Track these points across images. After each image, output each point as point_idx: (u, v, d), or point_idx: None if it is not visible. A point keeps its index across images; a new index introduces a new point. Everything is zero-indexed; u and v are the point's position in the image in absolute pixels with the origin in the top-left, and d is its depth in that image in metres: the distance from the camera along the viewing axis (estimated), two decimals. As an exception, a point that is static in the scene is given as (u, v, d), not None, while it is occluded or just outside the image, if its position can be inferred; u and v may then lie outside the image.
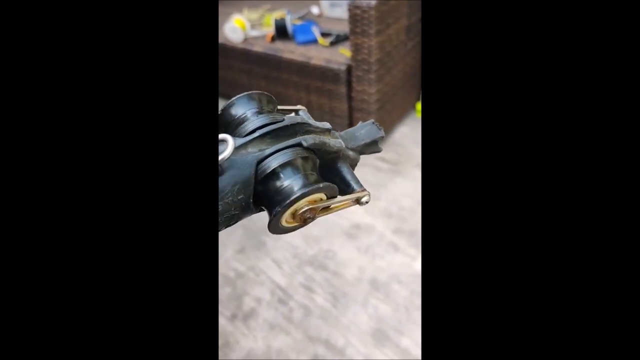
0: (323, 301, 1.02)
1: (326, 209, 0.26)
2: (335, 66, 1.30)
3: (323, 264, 1.11)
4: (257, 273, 1.10)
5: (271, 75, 1.50)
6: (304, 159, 0.25)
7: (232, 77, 1.65)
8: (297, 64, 1.38)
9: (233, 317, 1.00)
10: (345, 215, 1.23)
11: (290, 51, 1.40)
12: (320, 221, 1.11)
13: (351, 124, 1.44)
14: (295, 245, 1.16)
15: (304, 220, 0.25)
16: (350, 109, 1.39)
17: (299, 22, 1.54)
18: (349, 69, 1.30)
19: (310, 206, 0.24)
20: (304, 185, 0.24)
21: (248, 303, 1.03)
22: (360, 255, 1.12)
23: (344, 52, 1.34)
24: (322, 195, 0.25)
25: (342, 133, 0.31)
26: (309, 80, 1.40)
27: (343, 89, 1.33)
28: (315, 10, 1.67)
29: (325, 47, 1.40)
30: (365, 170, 1.40)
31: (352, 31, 1.20)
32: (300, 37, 1.44)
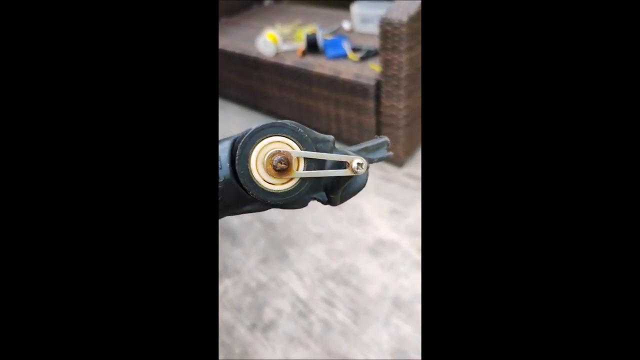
0: (344, 317, 1.00)
1: (312, 164, 0.25)
2: (364, 81, 1.31)
3: (345, 279, 1.10)
4: (279, 284, 1.10)
5: (301, 88, 1.52)
6: (284, 135, 0.25)
7: (264, 89, 1.69)
8: (326, 78, 1.40)
9: (253, 327, 1.01)
10: (369, 231, 1.22)
11: (320, 65, 1.42)
12: (345, 235, 1.10)
13: (379, 138, 1.43)
14: (318, 258, 1.16)
15: (278, 171, 0.24)
16: (379, 124, 1.39)
17: (330, 37, 1.56)
18: (379, 84, 1.30)
19: (278, 148, 0.24)
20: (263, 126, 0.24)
21: (268, 314, 1.03)
22: (384, 273, 1.10)
23: (374, 68, 1.34)
24: (291, 142, 0.24)
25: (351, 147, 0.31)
26: (338, 94, 1.41)
27: (372, 104, 1.34)
28: (346, 25, 1.69)
29: (355, 62, 1.41)
30: (393, 187, 1.38)
31: (383, 47, 1.21)
32: (331, 52, 1.46)
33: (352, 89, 1.35)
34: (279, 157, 0.24)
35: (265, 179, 0.24)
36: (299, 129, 0.25)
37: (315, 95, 1.49)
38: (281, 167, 0.24)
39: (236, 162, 0.24)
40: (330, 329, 0.98)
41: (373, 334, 0.96)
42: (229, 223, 1.32)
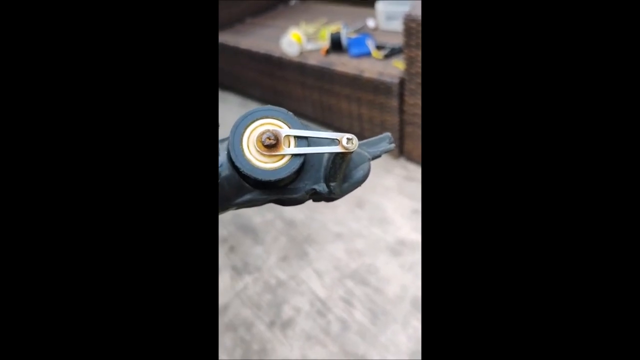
0: (362, 317, 1.00)
1: (302, 141, 0.25)
2: (387, 79, 1.29)
3: (364, 278, 1.09)
4: (298, 282, 1.11)
5: (324, 87, 1.52)
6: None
7: (287, 88, 1.70)
8: (349, 76, 1.39)
9: (271, 324, 1.02)
10: (390, 231, 1.21)
11: (343, 64, 1.42)
12: (365, 235, 1.10)
13: (402, 137, 1.41)
14: (337, 257, 1.16)
15: (267, 147, 0.25)
16: (402, 123, 1.37)
17: (354, 35, 1.55)
18: (402, 82, 1.28)
19: (268, 127, 0.25)
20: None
21: (287, 312, 1.04)
22: (404, 273, 1.08)
23: (397, 65, 1.32)
24: (278, 122, 0.26)
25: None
26: (361, 93, 1.40)
27: (395, 102, 1.32)
28: (371, 23, 1.67)
29: (379, 59, 1.40)
30: (416, 187, 1.36)
31: (407, 44, 1.19)
32: (354, 50, 1.45)
33: (375, 87, 1.34)
34: (268, 133, 0.25)
35: (258, 158, 0.25)
36: (289, 113, 0.26)
37: (338, 94, 1.49)
38: (269, 142, 0.25)
39: (230, 146, 0.25)
40: (348, 328, 0.98)
41: (391, 335, 0.95)
42: (251, 221, 1.34)
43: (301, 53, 1.57)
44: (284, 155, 0.25)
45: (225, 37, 1.89)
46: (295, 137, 0.25)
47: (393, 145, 0.31)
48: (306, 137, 0.26)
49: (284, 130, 0.25)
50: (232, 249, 1.25)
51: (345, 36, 1.49)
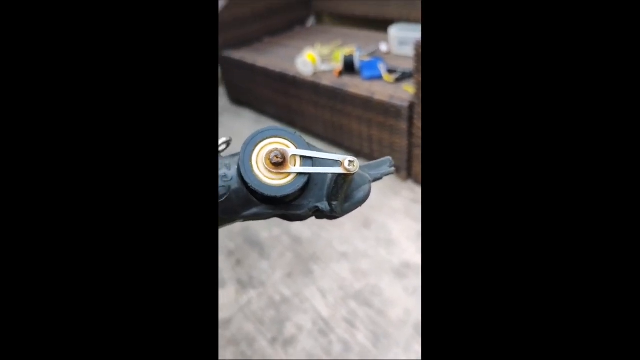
0: (364, 339, 0.99)
1: (307, 161, 0.27)
2: (398, 102, 1.32)
3: (368, 300, 1.09)
4: (302, 300, 1.12)
5: (336, 107, 1.55)
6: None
7: (301, 107, 1.74)
8: (361, 98, 1.42)
9: (273, 341, 1.02)
10: (396, 252, 1.21)
11: (355, 85, 1.45)
12: (370, 255, 1.09)
13: (410, 160, 1.43)
14: (342, 277, 1.16)
15: (275, 164, 0.26)
16: (410, 145, 1.39)
17: (367, 59, 1.59)
18: (411, 106, 1.30)
19: (276, 146, 0.27)
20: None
21: (289, 329, 1.05)
22: (408, 297, 1.08)
23: (407, 89, 1.35)
24: (286, 142, 0.28)
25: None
26: (371, 115, 1.43)
27: (404, 125, 1.34)
28: (383, 47, 1.71)
29: (390, 83, 1.43)
30: (422, 208, 1.36)
31: (417, 69, 1.21)
32: (367, 73, 1.49)
33: (386, 109, 1.36)
34: (276, 152, 0.27)
35: (265, 175, 0.27)
36: (296, 133, 0.28)
37: (349, 114, 1.52)
38: (277, 160, 0.27)
39: (240, 162, 0.27)
40: (349, 349, 0.98)
41: (393, 358, 0.94)
42: (258, 235, 1.35)
43: (315, 73, 1.61)
44: (289, 174, 0.27)
45: (243, 54, 1.95)
46: (301, 156, 0.28)
47: (393, 169, 0.33)
48: (311, 158, 0.28)
49: (291, 150, 0.27)
50: (238, 262, 1.27)
51: (358, 59, 1.53)
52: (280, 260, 1.25)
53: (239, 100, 2.26)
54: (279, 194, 0.27)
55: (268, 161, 0.27)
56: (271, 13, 2.18)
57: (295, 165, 0.27)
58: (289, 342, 1.01)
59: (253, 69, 1.89)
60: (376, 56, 1.64)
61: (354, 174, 0.27)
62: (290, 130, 0.28)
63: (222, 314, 1.11)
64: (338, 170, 0.27)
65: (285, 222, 1.45)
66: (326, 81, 1.54)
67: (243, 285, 1.19)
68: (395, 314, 1.04)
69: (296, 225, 1.37)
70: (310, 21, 2.36)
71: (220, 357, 1.01)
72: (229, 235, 1.38)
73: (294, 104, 1.77)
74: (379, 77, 1.47)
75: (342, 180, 0.28)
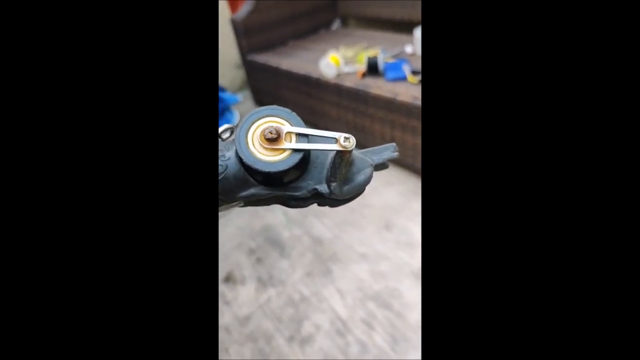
0: (382, 341, 0.98)
1: (303, 138, 0.27)
2: (421, 103, 1.30)
3: (387, 302, 1.08)
4: (320, 300, 1.12)
5: (359, 109, 1.55)
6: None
7: (323, 109, 1.75)
8: (384, 99, 1.41)
9: (291, 339, 1.03)
10: (416, 255, 1.19)
11: (378, 87, 1.44)
12: (390, 257, 1.08)
13: (434, 162, 1.40)
14: (361, 278, 1.15)
15: (269, 140, 0.26)
16: (434, 147, 1.36)
17: (391, 60, 1.58)
18: (436, 107, 1.28)
19: (271, 124, 0.27)
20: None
21: (307, 328, 1.05)
22: (428, 300, 1.06)
23: (433, 90, 1.33)
24: (282, 120, 0.28)
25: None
26: (394, 116, 1.42)
27: (428, 127, 1.32)
28: (409, 49, 1.70)
29: (414, 84, 1.41)
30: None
31: (442, 70, 1.20)
32: (391, 74, 1.48)
33: (409, 111, 1.35)
34: (270, 128, 0.27)
35: (260, 151, 0.27)
36: (292, 112, 0.28)
37: (372, 116, 1.51)
38: (271, 136, 0.27)
39: (236, 139, 0.27)
40: (366, 351, 0.97)
41: (410, 362, 0.93)
42: (279, 235, 1.37)
43: (338, 75, 1.61)
44: (284, 150, 0.27)
45: (267, 58, 1.99)
46: (296, 134, 0.27)
47: (397, 153, 0.33)
48: (306, 135, 0.27)
49: (286, 127, 0.27)
50: (259, 260, 1.28)
51: (382, 60, 1.53)
52: (300, 260, 1.25)
53: (262, 102, 2.30)
54: (273, 169, 0.27)
55: (263, 137, 0.27)
56: (297, 17, 2.21)
57: (290, 142, 0.27)
58: (306, 341, 1.02)
59: (277, 72, 1.92)
60: (401, 58, 1.62)
61: (351, 151, 0.26)
62: (286, 109, 0.28)
63: (242, 311, 1.13)
64: (334, 147, 0.26)
65: (307, 223, 1.45)
66: (349, 83, 1.54)
67: (263, 283, 1.20)
68: (414, 318, 1.02)
69: (317, 226, 1.38)
70: (336, 24, 2.38)
71: (238, 353, 1.02)
72: (250, 234, 1.40)
73: (317, 106, 1.78)
74: (404, 79, 1.46)
75: (340, 159, 0.27)
